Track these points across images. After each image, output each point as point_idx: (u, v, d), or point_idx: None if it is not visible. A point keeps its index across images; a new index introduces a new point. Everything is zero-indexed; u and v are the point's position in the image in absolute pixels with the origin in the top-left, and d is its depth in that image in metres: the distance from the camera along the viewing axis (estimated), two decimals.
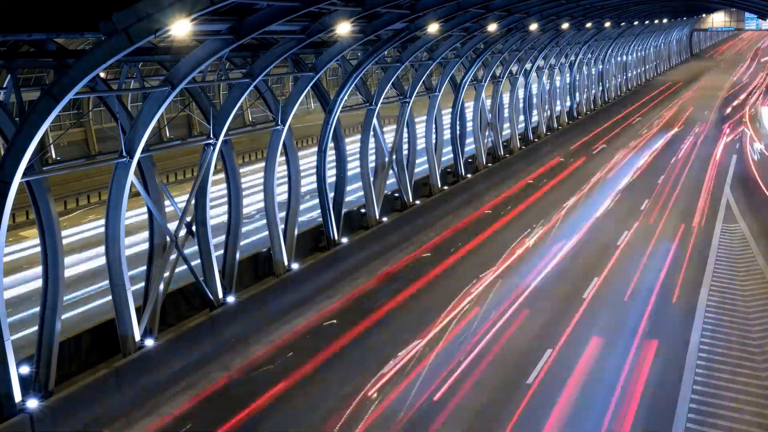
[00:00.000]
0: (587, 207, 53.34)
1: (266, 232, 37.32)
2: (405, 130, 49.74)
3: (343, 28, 32.44)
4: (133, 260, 31.82)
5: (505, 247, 44.22)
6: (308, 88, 37.90)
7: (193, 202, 31.82)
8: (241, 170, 35.47)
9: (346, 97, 41.09)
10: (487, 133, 64.33)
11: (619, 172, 66.08)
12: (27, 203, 25.96)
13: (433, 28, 40.14)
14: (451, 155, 58.18)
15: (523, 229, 48.12)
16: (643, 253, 42.42)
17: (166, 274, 30.30)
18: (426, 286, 38.43)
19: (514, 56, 66.83)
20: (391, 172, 47.34)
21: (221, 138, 31.98)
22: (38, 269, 27.97)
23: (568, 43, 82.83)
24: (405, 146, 50.12)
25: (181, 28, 23.34)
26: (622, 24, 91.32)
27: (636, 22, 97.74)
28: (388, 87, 45.84)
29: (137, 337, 28.13)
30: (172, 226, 30.90)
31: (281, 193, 37.81)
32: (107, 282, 27.93)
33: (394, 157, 47.51)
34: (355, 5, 31.55)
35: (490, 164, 63.65)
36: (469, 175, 59.17)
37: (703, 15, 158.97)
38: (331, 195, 41.28)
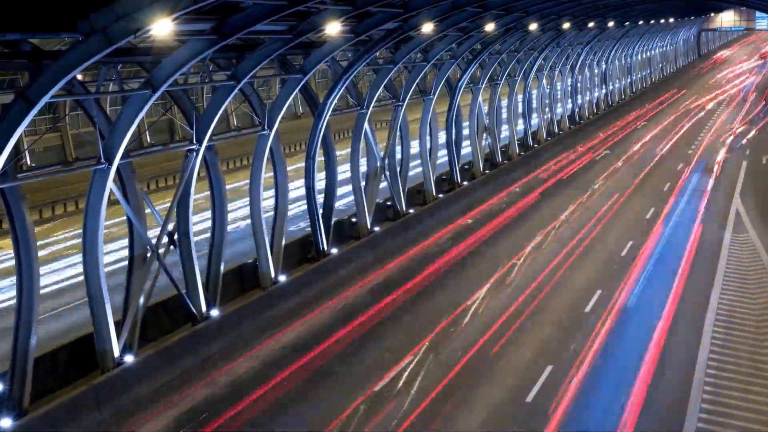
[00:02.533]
0: (589, 211, 53.52)
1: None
2: (398, 134, 49.86)
3: (333, 28, 32.58)
4: None
5: (505, 258, 44.33)
6: (296, 90, 38.03)
7: (175, 210, 31.91)
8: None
9: (336, 101, 41.20)
10: (484, 139, 64.50)
11: (621, 179, 66.25)
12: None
13: (428, 27, 40.26)
14: (447, 161, 58.28)
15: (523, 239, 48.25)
16: None
17: (147, 287, 30.35)
18: (420, 298, 38.46)
19: (512, 57, 67.04)
20: (383, 179, 47.44)
21: (205, 143, 32.05)
22: None
23: (570, 43, 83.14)
24: (398, 152, 50.22)
25: (162, 28, 23.43)
26: (626, 24, 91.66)
27: (641, 22, 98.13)
28: (380, 89, 45.96)
29: (116, 353, 28.15)
30: (153, 235, 30.99)
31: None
32: None
33: (386, 163, 47.62)
34: (345, 4, 31.69)
35: (487, 171, 63.81)
36: (465, 183, 59.29)
37: (712, 14, 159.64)
38: (320, 203, 41.43)
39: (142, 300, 29.97)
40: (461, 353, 31.74)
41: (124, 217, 30.33)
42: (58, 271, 43.84)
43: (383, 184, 47.97)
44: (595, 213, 54.02)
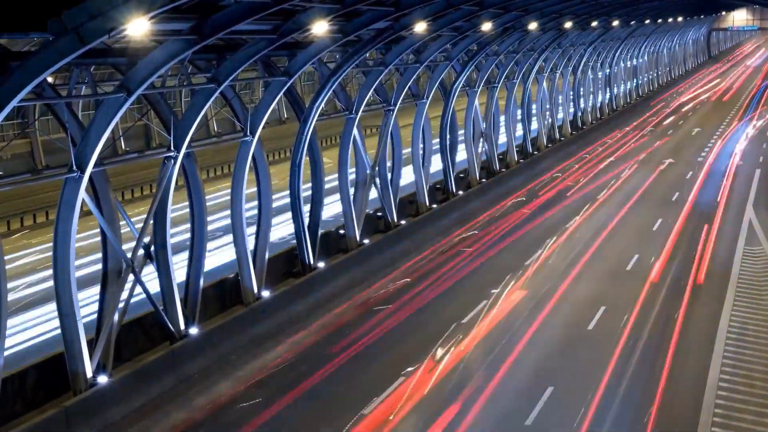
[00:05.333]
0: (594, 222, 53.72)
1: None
2: (389, 141, 49.94)
3: (320, 28, 32.70)
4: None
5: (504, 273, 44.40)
6: (281, 94, 38.11)
7: (151, 222, 31.94)
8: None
9: (323, 105, 41.30)
10: (480, 145, 64.63)
11: (626, 189, 66.50)
12: None
13: (421, 27, 40.43)
14: (441, 169, 58.40)
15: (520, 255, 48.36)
16: None
17: (122, 303, 30.36)
18: (413, 316, 38.49)
19: (511, 59, 67.26)
20: (373, 188, 47.50)
21: (183, 150, 32.09)
22: None
23: (572, 44, 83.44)
24: (389, 159, 50.29)
25: (138, 28, 23.52)
26: (632, 23, 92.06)
27: (647, 21, 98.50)
28: (370, 93, 46.06)
29: (89, 374, 28.13)
30: (128, 248, 31.02)
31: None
32: None
33: (376, 171, 47.67)
34: (333, 2, 31.84)
35: (484, 179, 63.90)
36: (460, 192, 59.39)
37: (723, 13, 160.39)
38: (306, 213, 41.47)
39: (116, 317, 29.96)
40: (459, 382, 31.76)
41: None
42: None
43: (373, 194, 48.03)
44: (598, 226, 54.17)
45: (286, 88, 37.81)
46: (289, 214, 41.50)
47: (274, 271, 39.57)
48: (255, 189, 38.29)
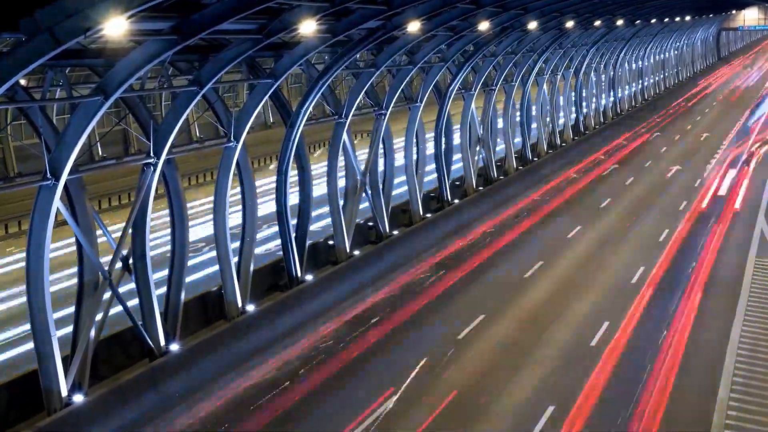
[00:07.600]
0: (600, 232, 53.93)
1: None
2: (381, 147, 49.97)
3: (308, 27, 32.76)
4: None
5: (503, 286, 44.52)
6: (266, 97, 38.12)
7: (130, 232, 31.95)
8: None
9: (311, 109, 41.35)
10: (477, 151, 64.66)
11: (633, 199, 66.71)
12: None
13: (414, 26, 40.50)
14: (435, 177, 58.43)
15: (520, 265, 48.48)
16: None
17: (98, 318, 30.35)
18: (406, 332, 38.57)
19: (509, 60, 67.33)
20: (364, 196, 47.53)
21: (163, 157, 32.12)
22: None
23: (574, 44, 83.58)
24: (381, 166, 50.31)
25: (115, 27, 23.54)
26: (637, 22, 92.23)
27: (653, 20, 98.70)
28: (360, 96, 46.11)
29: (64, 392, 28.11)
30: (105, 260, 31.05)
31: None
32: None
33: (367, 179, 47.70)
34: (322, 0, 31.89)
35: (481, 187, 63.89)
36: (456, 201, 59.41)
37: (733, 12, 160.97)
38: (293, 223, 41.51)
39: (93, 333, 29.94)
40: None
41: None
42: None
43: (364, 203, 48.06)
44: (604, 238, 54.35)
45: (272, 90, 37.85)
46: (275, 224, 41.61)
47: (259, 284, 39.63)
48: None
